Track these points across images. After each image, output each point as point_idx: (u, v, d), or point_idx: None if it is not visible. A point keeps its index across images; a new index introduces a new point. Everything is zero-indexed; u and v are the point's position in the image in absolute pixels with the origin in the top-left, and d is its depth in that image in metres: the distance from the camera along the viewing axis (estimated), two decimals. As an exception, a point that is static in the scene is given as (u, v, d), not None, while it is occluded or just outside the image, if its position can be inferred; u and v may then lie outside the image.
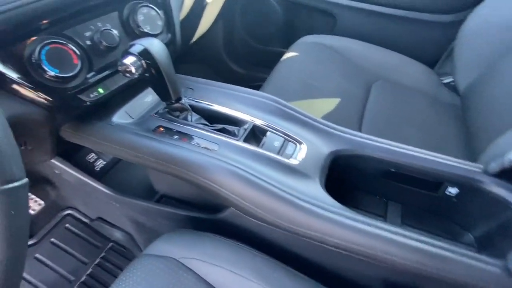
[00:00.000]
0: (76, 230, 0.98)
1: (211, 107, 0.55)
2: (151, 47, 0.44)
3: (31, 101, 0.44)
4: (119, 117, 0.55)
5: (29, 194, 0.99)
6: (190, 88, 0.60)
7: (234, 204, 0.44)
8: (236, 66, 1.48)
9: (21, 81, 0.41)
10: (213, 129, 0.51)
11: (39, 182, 0.97)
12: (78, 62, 0.45)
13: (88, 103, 0.49)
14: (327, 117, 0.78)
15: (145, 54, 0.44)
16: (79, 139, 0.54)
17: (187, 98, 0.57)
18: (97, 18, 0.49)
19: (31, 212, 0.96)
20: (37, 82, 0.42)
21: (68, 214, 1.01)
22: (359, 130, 0.78)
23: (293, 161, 0.46)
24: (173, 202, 0.68)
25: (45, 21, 0.42)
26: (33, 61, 0.41)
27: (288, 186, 0.42)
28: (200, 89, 0.60)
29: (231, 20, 1.35)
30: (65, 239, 0.97)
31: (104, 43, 0.48)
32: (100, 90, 0.51)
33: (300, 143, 0.49)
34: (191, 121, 0.53)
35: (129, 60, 0.43)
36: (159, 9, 0.56)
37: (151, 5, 0.54)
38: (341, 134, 0.52)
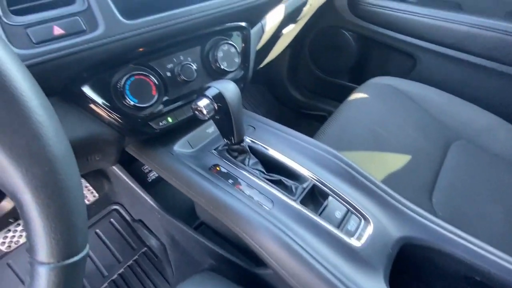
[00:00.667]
0: (118, 227, 1.04)
1: (269, 152, 0.53)
2: (226, 92, 0.43)
3: (107, 124, 0.46)
4: (180, 145, 0.55)
5: (86, 184, 1.09)
6: (252, 127, 0.59)
7: (277, 272, 0.40)
8: (297, 93, 1.45)
9: (103, 106, 0.44)
10: (269, 180, 0.48)
11: (96, 174, 1.06)
12: (155, 94, 0.46)
13: (157, 130, 0.50)
14: (393, 176, 0.69)
15: (219, 98, 0.43)
16: (142, 159, 0.56)
17: (247, 137, 0.55)
18: (181, 52, 0.50)
19: (86, 202, 1.05)
20: (116, 108, 0.45)
21: (115, 210, 1.08)
22: (429, 198, 0.67)
23: (355, 242, 0.40)
24: (211, 233, 0.66)
25: (138, 53, 0.45)
26: (118, 89, 0.44)
27: (345, 275, 0.36)
28: (261, 129, 0.58)
29: (299, 47, 1.34)
30: (107, 233, 1.03)
31: (182, 77, 0.50)
32: (169, 119, 0.52)
33: (365, 218, 0.43)
34: (248, 165, 0.50)
35: (203, 102, 0.42)
36: (239, 47, 0.56)
37: (232, 43, 0.54)
38: (416, 216, 0.44)
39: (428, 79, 1.03)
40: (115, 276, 0.95)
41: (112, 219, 1.06)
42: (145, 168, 0.82)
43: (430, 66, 1.06)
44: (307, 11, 0.89)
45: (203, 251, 0.67)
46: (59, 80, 0.40)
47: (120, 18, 0.40)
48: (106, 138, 0.48)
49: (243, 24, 0.57)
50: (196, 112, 0.44)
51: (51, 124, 0.20)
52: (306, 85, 1.45)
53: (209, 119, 0.44)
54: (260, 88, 1.52)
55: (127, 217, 1.06)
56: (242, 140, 0.49)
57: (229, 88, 0.43)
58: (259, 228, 0.40)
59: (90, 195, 1.05)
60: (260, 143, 0.55)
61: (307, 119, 1.47)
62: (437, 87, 0.97)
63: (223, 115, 0.45)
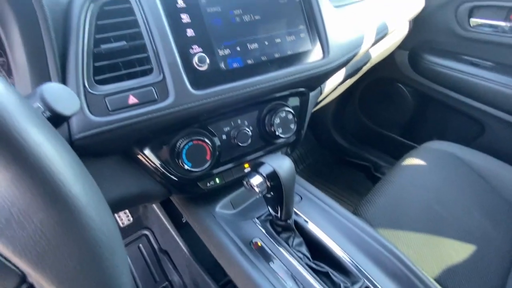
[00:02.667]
0: (145, 254, 1.05)
1: (316, 233, 0.48)
2: (280, 171, 0.40)
3: (159, 182, 0.47)
4: (223, 206, 0.54)
5: (125, 209, 1.13)
6: (299, 196, 0.55)
7: None
8: (341, 138, 1.40)
9: (159, 166, 0.44)
10: (315, 270, 0.43)
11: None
12: (209, 159, 0.46)
13: (204, 190, 0.50)
14: (452, 273, 0.59)
15: (272, 176, 0.41)
16: (183, 212, 0.56)
17: (294, 210, 0.51)
18: (239, 116, 0.50)
19: (121, 224, 1.08)
20: (171, 169, 0.45)
21: (145, 235, 1.09)
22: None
23: None
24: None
25: (201, 118, 0.45)
26: (175, 152, 0.44)
27: None
28: (308, 200, 0.55)
29: (348, 93, 1.30)
30: (133, 258, 1.03)
31: (237, 141, 0.49)
32: (217, 180, 0.51)
33: None
34: (292, 245, 0.46)
35: (256, 180, 0.40)
36: (296, 112, 0.55)
37: (290, 110, 0.53)
38: None
39: (498, 151, 0.91)
40: (133, 306, 0.94)
41: (140, 244, 1.07)
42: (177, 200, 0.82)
43: (500, 137, 0.94)
44: (367, 67, 0.86)
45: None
46: (125, 143, 0.41)
47: (190, 88, 0.41)
48: (155, 194, 0.48)
49: (303, 89, 0.56)
50: (247, 187, 0.42)
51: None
52: (351, 132, 1.39)
53: (260, 196, 0.42)
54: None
55: (155, 245, 1.06)
56: (289, 218, 0.46)
57: (284, 167, 0.41)
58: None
59: (125, 218, 1.09)
60: (306, 218, 0.51)
61: (349, 167, 1.39)
62: (508, 162, 0.85)
63: (275, 192, 0.42)
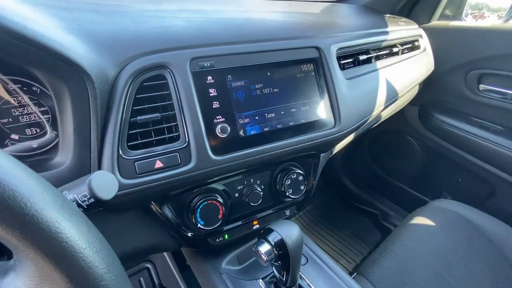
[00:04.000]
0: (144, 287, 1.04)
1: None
2: (288, 240, 0.42)
3: (171, 235, 0.49)
4: (229, 261, 0.55)
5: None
6: (305, 257, 0.56)
7: None
8: (350, 183, 1.40)
9: (174, 222, 0.47)
10: None
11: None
12: (221, 218, 0.48)
13: (213, 245, 0.52)
14: None
15: (280, 244, 0.42)
16: (191, 264, 0.57)
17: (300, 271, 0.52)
18: (252, 176, 0.53)
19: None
20: (184, 226, 0.47)
21: (147, 268, 1.09)
22: None
23: None
24: None
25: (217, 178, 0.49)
26: (190, 209, 0.47)
27: None
28: (314, 263, 0.55)
29: (358, 140, 1.33)
30: (133, 292, 1.03)
31: (248, 200, 0.51)
32: (226, 237, 0.53)
33: None
34: (295, 311, 0.47)
35: (264, 248, 0.42)
36: (307, 173, 0.57)
37: (301, 172, 0.55)
38: None
39: (509, 215, 0.89)
40: None
41: (141, 278, 1.07)
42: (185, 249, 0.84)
43: (511, 201, 0.93)
44: (376, 124, 0.90)
45: None
46: (146, 200, 0.44)
47: (210, 154, 0.44)
48: (166, 246, 0.50)
49: (314, 152, 0.59)
50: (256, 255, 0.44)
51: None
52: (361, 177, 1.40)
53: (267, 264, 0.44)
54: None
55: (156, 280, 1.05)
56: (294, 285, 0.46)
57: (292, 236, 0.43)
58: None
59: (130, 250, 1.10)
60: (308, 281, 0.51)
61: (357, 212, 1.38)
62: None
63: (282, 261, 0.44)
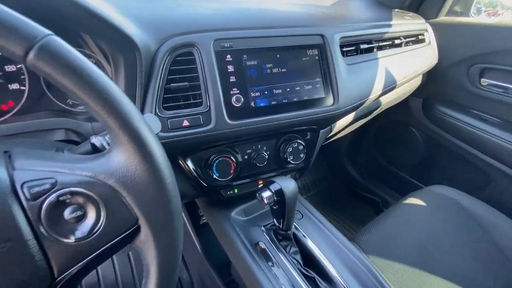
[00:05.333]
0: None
1: (310, 246, 0.58)
2: (286, 190, 0.52)
3: (192, 185, 0.60)
4: (237, 212, 0.66)
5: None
6: (301, 213, 0.66)
7: None
8: (354, 171, 1.48)
9: (195, 173, 0.58)
10: (304, 275, 0.53)
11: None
12: (232, 173, 0.59)
13: (224, 197, 0.63)
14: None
15: (279, 193, 0.52)
16: (204, 213, 0.69)
17: (294, 225, 0.62)
18: (260, 142, 0.63)
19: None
20: (203, 177, 0.58)
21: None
22: None
23: None
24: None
25: (231, 141, 0.59)
26: (208, 164, 0.58)
27: None
28: (308, 218, 0.65)
29: (363, 131, 1.39)
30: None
31: (255, 161, 0.62)
32: (236, 191, 0.64)
33: None
34: (289, 252, 0.57)
35: (266, 194, 0.53)
36: (307, 144, 0.67)
37: (302, 142, 0.65)
38: None
39: (502, 203, 0.95)
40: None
41: (130, 252, 1.20)
42: (200, 211, 0.95)
43: (505, 190, 0.98)
44: (378, 111, 0.97)
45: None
46: (175, 152, 0.56)
47: (226, 119, 0.55)
48: (187, 194, 0.62)
49: (315, 127, 0.68)
50: (258, 198, 0.54)
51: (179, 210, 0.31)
52: (364, 166, 1.47)
53: (267, 207, 0.54)
54: (315, 163, 1.60)
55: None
56: (289, 229, 0.57)
57: (289, 187, 0.53)
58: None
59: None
60: (303, 232, 0.61)
61: (360, 200, 1.45)
62: (509, 216, 0.89)
63: (279, 206, 0.54)
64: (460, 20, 0.98)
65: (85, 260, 0.27)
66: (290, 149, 0.64)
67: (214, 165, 0.57)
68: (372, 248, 0.74)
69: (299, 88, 0.62)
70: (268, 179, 0.56)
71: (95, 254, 0.27)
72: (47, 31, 0.23)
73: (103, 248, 0.28)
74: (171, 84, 0.52)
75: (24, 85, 0.50)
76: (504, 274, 0.75)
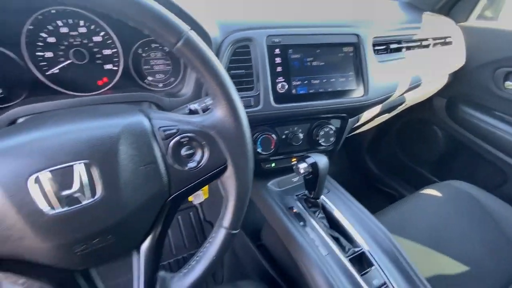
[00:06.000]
0: (193, 220, 1.32)
1: (335, 214, 0.69)
2: (319, 163, 0.63)
3: None
4: (272, 184, 0.78)
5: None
6: (328, 189, 0.76)
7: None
8: (373, 166, 1.55)
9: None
10: (330, 234, 0.64)
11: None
12: (273, 148, 0.70)
13: (263, 169, 0.74)
14: (442, 278, 0.73)
15: (313, 165, 0.63)
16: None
17: (323, 196, 0.73)
18: (296, 125, 0.74)
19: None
20: None
21: (195, 206, 1.37)
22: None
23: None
24: (268, 256, 0.83)
25: (273, 121, 0.71)
26: (253, 139, 0.69)
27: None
28: (334, 193, 0.75)
29: (386, 127, 1.46)
30: (184, 222, 1.31)
31: (291, 141, 0.73)
32: (273, 165, 0.75)
33: (396, 295, 0.54)
34: (317, 216, 0.68)
35: (302, 165, 0.63)
36: (336, 130, 0.77)
37: (332, 127, 0.75)
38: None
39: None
40: (180, 257, 1.20)
41: (191, 213, 1.35)
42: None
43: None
44: (402, 107, 1.05)
45: (256, 267, 0.85)
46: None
47: (272, 102, 0.66)
48: None
49: (345, 115, 0.78)
50: (295, 169, 0.65)
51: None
52: (384, 161, 1.53)
53: (302, 176, 0.65)
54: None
55: (201, 216, 1.33)
56: (318, 198, 0.67)
57: (322, 161, 0.63)
58: (314, 264, 0.56)
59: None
60: (330, 204, 0.72)
61: (377, 193, 1.53)
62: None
63: (312, 177, 0.65)
64: (488, 24, 1.03)
65: (191, 184, 0.40)
66: (322, 133, 0.74)
67: (259, 141, 0.69)
68: (389, 225, 0.83)
69: (334, 79, 0.72)
70: (299, 158, 0.67)
71: (197, 181, 0.40)
72: (188, 27, 0.35)
73: (202, 178, 0.40)
74: (231, 71, 0.63)
75: (117, 66, 0.64)
76: (509, 260, 0.81)
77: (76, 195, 0.31)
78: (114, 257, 0.38)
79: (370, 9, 0.92)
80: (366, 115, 0.86)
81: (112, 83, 0.64)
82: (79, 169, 0.31)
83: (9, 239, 0.30)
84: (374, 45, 0.77)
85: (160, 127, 0.37)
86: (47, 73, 0.58)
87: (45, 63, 0.57)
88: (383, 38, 0.79)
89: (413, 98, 1.00)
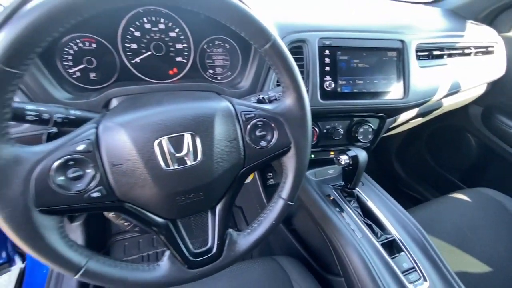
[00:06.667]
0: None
1: (369, 204, 0.75)
2: (360, 156, 0.69)
3: None
4: (310, 174, 0.85)
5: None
6: (362, 182, 0.83)
7: (349, 279, 0.62)
8: (400, 169, 1.57)
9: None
10: (363, 221, 0.70)
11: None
12: (315, 140, 0.78)
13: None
14: (466, 275, 0.78)
15: (354, 158, 0.70)
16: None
17: (357, 188, 0.79)
18: (337, 121, 0.81)
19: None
20: None
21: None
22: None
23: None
24: (299, 240, 0.91)
25: (318, 116, 0.78)
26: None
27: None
28: (368, 186, 0.82)
29: (418, 132, 1.48)
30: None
31: (331, 135, 0.80)
32: (312, 156, 0.82)
33: (425, 278, 0.60)
34: (352, 205, 0.74)
35: (343, 157, 0.70)
36: (375, 128, 0.83)
37: (371, 125, 0.81)
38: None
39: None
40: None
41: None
42: (268, 174, 1.16)
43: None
44: (438, 112, 1.08)
45: (286, 246, 0.93)
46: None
47: (319, 98, 0.73)
48: None
49: (383, 115, 0.83)
50: (336, 160, 0.72)
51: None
52: (412, 166, 1.55)
53: (342, 167, 0.72)
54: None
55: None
56: (354, 188, 0.74)
57: (362, 155, 0.70)
58: (350, 244, 0.63)
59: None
60: (364, 195, 0.78)
61: (402, 196, 1.55)
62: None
63: (352, 169, 0.71)
64: (534, 36, 1.03)
65: (260, 160, 0.48)
66: (361, 130, 0.80)
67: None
68: (417, 221, 0.88)
69: (376, 81, 0.77)
70: (338, 151, 0.74)
71: (264, 158, 0.48)
72: (274, 33, 0.43)
73: (270, 156, 0.48)
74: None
75: (187, 59, 0.74)
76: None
77: (184, 157, 0.41)
78: (198, 211, 0.47)
79: (414, 14, 0.96)
80: (402, 117, 0.91)
81: (182, 74, 0.74)
82: (188, 138, 0.41)
83: (135, 185, 0.40)
84: (417, 51, 0.81)
85: (242, 111, 0.46)
86: (131, 62, 0.69)
87: (130, 53, 0.68)
88: (426, 45, 0.83)
89: (450, 104, 1.02)
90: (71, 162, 0.37)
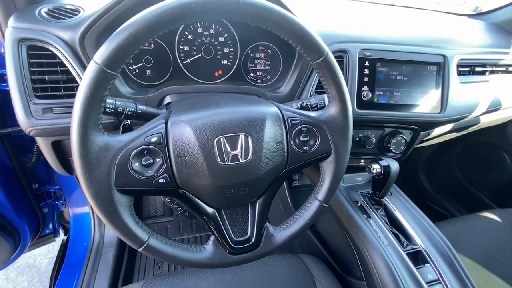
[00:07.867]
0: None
1: (396, 214, 0.77)
2: (392, 167, 0.71)
3: None
4: (339, 179, 0.87)
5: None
6: (390, 192, 0.84)
7: (372, 283, 0.64)
8: (427, 183, 1.55)
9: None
10: (390, 230, 0.72)
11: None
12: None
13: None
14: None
15: (386, 167, 0.72)
16: (309, 176, 0.92)
17: (386, 198, 0.81)
18: (370, 130, 0.83)
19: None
20: None
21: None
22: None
23: (435, 298, 0.60)
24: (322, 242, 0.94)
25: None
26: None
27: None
28: (396, 196, 0.83)
29: (448, 147, 1.44)
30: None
31: (364, 143, 0.82)
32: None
33: (449, 291, 0.61)
34: (379, 213, 0.77)
35: (375, 166, 0.72)
36: (407, 140, 0.84)
37: (404, 137, 0.82)
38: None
39: None
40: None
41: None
42: (294, 176, 1.20)
43: None
44: (474, 128, 1.06)
45: (308, 247, 0.96)
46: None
47: (356, 107, 0.75)
48: None
49: (418, 127, 0.84)
50: (368, 168, 0.75)
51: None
52: (440, 180, 1.52)
53: (372, 176, 0.74)
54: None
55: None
56: (383, 197, 0.76)
57: (394, 165, 0.72)
58: (375, 249, 0.66)
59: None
60: (392, 205, 0.80)
61: (427, 211, 1.52)
62: None
63: (382, 178, 0.73)
64: None
65: (300, 163, 0.52)
66: (394, 140, 0.82)
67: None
68: (444, 235, 0.88)
69: (414, 94, 0.79)
70: (369, 160, 0.76)
71: (305, 162, 0.52)
72: (327, 48, 0.47)
73: (310, 160, 0.52)
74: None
75: (231, 62, 0.79)
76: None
77: (238, 155, 0.46)
78: (242, 204, 0.52)
79: (457, 27, 0.95)
80: (437, 130, 0.91)
81: (226, 76, 0.79)
82: (242, 138, 0.46)
83: (194, 176, 0.45)
84: (458, 66, 0.81)
85: (288, 117, 0.50)
86: (183, 62, 0.75)
87: (183, 54, 0.74)
88: (468, 61, 0.83)
89: (488, 121, 1.00)
90: (145, 152, 0.43)
